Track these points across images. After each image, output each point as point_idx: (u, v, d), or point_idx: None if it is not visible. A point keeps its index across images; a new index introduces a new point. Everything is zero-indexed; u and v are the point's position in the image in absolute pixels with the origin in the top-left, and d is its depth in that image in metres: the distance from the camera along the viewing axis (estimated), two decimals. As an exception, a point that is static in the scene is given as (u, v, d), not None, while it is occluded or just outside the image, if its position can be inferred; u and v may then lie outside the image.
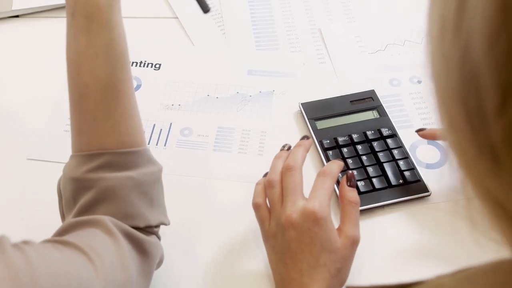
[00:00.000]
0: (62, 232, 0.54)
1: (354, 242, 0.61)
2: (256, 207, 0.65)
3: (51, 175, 0.77)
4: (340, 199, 0.65)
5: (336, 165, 0.66)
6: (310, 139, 0.70)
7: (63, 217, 0.61)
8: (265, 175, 0.69)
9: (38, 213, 0.74)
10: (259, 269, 0.68)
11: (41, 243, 0.49)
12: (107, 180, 0.55)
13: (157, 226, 0.60)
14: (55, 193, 0.65)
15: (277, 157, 0.69)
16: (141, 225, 0.57)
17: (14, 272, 0.42)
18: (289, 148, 0.70)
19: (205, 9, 0.66)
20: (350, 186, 0.64)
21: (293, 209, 0.61)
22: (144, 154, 0.59)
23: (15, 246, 0.45)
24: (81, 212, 0.56)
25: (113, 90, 0.57)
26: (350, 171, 0.65)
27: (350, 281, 0.64)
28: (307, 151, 0.68)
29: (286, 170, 0.64)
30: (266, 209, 0.65)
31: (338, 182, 0.72)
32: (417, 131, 0.78)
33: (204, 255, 0.70)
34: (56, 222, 0.63)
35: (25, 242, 0.46)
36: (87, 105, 0.57)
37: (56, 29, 1.00)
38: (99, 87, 0.56)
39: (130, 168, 0.57)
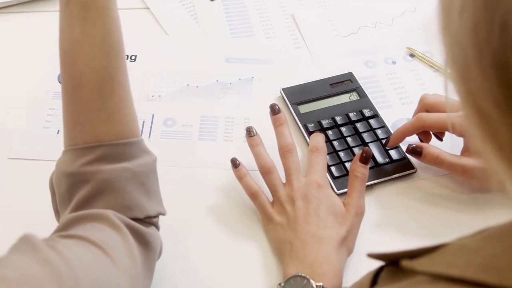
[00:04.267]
0: (64, 227, 0.53)
1: (358, 212, 0.66)
2: (254, 196, 0.68)
3: (34, 173, 0.76)
4: (349, 173, 0.69)
5: (320, 138, 0.72)
6: (282, 111, 0.74)
7: (57, 213, 0.60)
8: (235, 165, 0.71)
9: (23, 212, 0.72)
10: (255, 253, 0.69)
11: (66, 240, 0.49)
12: (104, 173, 0.55)
13: (156, 216, 0.59)
14: (39, 190, 0.64)
15: (255, 145, 0.72)
16: (141, 216, 0.56)
17: (56, 271, 0.41)
18: (256, 131, 0.73)
19: None
20: (363, 163, 0.68)
21: (299, 184, 0.67)
22: (139, 145, 0.58)
23: (47, 245, 0.44)
24: (78, 207, 0.55)
25: (109, 79, 0.56)
26: (367, 148, 0.69)
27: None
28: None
29: (285, 153, 0.70)
30: (264, 195, 0.67)
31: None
32: (385, 144, 0.77)
33: (196, 244, 0.70)
34: (41, 220, 0.62)
35: (51, 239, 0.46)
36: (82, 95, 0.56)
37: (28, 24, 0.98)
38: (94, 76, 0.55)
39: (126, 160, 0.56)
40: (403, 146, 0.77)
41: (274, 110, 0.73)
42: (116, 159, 0.56)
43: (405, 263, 0.38)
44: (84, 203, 0.55)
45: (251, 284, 0.67)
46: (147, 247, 0.56)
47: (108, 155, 0.55)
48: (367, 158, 0.68)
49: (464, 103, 0.32)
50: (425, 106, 0.75)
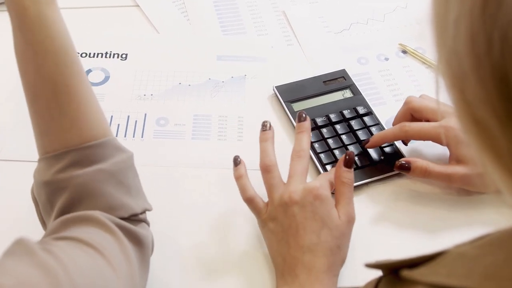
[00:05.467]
0: (54, 231, 0.52)
1: (349, 220, 0.63)
2: (249, 201, 0.66)
3: (25, 175, 0.74)
4: (334, 179, 0.66)
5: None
6: (308, 119, 0.70)
7: (43, 223, 0.59)
8: (236, 163, 0.69)
9: (15, 214, 0.71)
10: (249, 251, 0.68)
11: (60, 242, 0.48)
12: (79, 177, 0.54)
13: (142, 212, 0.59)
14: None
15: (264, 140, 0.69)
16: (125, 215, 0.56)
17: (53, 275, 0.40)
18: (270, 126, 0.70)
19: None
20: (347, 166, 0.65)
21: (296, 188, 0.63)
22: (110, 144, 0.57)
23: (42, 248, 0.43)
24: (61, 215, 0.54)
25: (62, 86, 0.55)
26: (349, 151, 0.66)
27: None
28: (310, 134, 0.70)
29: (296, 156, 0.67)
30: (259, 199, 0.66)
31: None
32: (364, 144, 0.76)
33: (190, 243, 0.70)
34: (33, 223, 0.61)
35: (45, 242, 0.45)
36: (40, 105, 0.55)
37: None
38: (47, 85, 0.55)
39: (99, 161, 0.56)
40: (398, 146, 0.77)
41: (300, 118, 0.70)
42: (88, 162, 0.55)
43: (406, 273, 0.37)
44: (66, 211, 0.54)
45: (245, 282, 0.66)
46: (140, 245, 0.56)
47: (79, 159, 0.55)
48: (351, 161, 0.65)
49: (460, 112, 0.31)
50: (410, 110, 0.74)
